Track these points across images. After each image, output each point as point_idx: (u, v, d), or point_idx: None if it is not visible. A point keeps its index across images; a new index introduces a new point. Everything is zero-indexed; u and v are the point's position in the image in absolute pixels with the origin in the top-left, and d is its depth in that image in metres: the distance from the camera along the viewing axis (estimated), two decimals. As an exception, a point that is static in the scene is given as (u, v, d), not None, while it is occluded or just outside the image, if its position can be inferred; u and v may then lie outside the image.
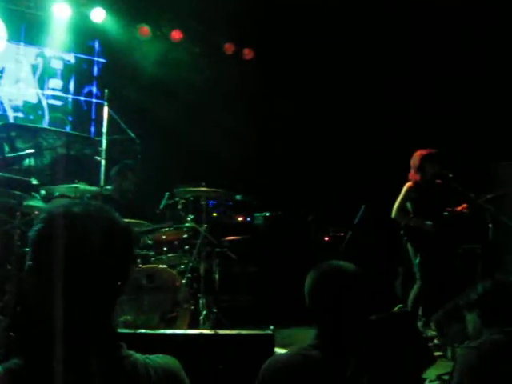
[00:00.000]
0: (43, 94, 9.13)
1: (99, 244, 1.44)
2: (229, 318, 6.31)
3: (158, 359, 1.55)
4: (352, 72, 9.45)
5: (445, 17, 8.53)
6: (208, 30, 10.06)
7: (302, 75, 9.71)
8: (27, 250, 1.48)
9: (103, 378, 1.41)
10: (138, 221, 6.10)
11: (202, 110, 9.61)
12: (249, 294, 7.98)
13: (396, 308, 5.94)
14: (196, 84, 9.56)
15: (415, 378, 2.38)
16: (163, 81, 9.42)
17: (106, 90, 6.46)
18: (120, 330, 3.61)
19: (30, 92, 9.01)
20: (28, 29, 8.96)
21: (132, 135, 6.95)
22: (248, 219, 8.53)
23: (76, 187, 5.80)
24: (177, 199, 6.97)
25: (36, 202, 5.78)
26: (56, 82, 9.31)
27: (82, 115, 9.57)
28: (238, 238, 7.73)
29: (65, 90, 9.40)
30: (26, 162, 7.55)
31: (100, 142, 6.10)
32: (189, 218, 6.66)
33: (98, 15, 9.04)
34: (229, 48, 10.21)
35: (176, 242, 6.31)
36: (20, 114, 8.90)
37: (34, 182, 7.02)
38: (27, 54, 9.00)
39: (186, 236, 6.42)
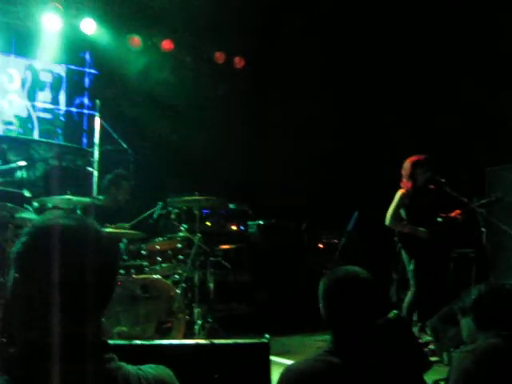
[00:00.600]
0: (33, 107, 9.11)
1: (84, 255, 1.44)
2: (224, 327, 6.30)
3: (151, 370, 1.53)
4: (345, 79, 9.49)
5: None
6: (198, 40, 10.09)
7: (295, 82, 9.73)
8: (12, 261, 1.47)
9: None
10: (130, 231, 6.09)
11: (194, 119, 9.62)
12: (243, 303, 7.97)
13: (391, 314, 5.94)
14: (187, 93, 9.58)
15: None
16: (154, 91, 9.43)
17: (98, 101, 6.47)
18: (115, 342, 3.59)
19: (19, 105, 9.00)
20: (18, 40, 8.96)
21: (124, 145, 6.94)
22: (242, 228, 8.53)
23: (69, 198, 5.77)
24: (170, 209, 6.96)
25: (28, 214, 5.75)
26: (45, 95, 9.29)
27: (74, 126, 9.55)
28: (232, 246, 7.73)
29: (55, 102, 9.38)
30: (18, 174, 7.52)
31: (92, 153, 6.08)
32: (182, 228, 6.65)
33: (89, 26, 9.04)
34: (220, 57, 10.24)
35: (170, 252, 6.29)
36: (11, 127, 8.87)
37: (27, 194, 7.00)
38: (18, 66, 8.99)
39: (179, 246, 6.40)
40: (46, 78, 9.33)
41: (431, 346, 5.74)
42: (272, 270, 8.20)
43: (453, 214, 6.34)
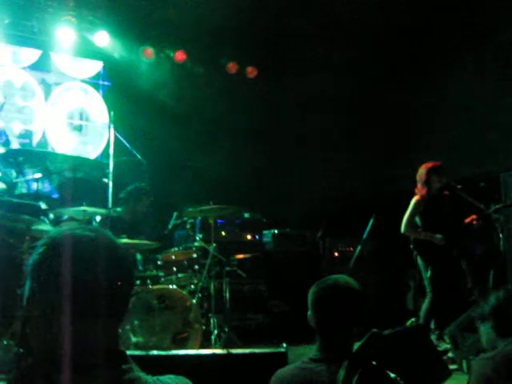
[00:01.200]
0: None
1: (100, 266, 1.44)
2: (240, 337, 6.28)
3: (170, 381, 1.51)
4: (359, 88, 9.47)
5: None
6: (211, 50, 10.14)
7: (306, 91, 9.73)
8: (29, 272, 1.48)
9: None
10: (146, 241, 6.11)
11: (207, 129, 9.65)
12: (260, 312, 7.95)
13: (409, 322, 5.90)
14: (200, 103, 9.61)
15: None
16: (167, 102, 9.48)
17: (112, 113, 6.50)
18: (132, 352, 3.59)
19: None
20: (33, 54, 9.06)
21: (139, 157, 6.97)
22: (257, 237, 8.51)
23: (84, 210, 5.80)
24: (185, 219, 6.97)
25: (45, 226, 5.80)
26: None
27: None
28: (248, 256, 7.70)
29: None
30: (34, 186, 7.57)
31: (107, 165, 6.11)
32: (198, 238, 6.66)
33: (102, 39, 9.12)
34: (232, 67, 10.27)
35: (185, 262, 6.29)
36: (26, 141, 8.96)
37: (43, 206, 7.05)
38: (31, 80, 9.09)
39: (195, 256, 6.40)
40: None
41: (450, 354, 5.68)
42: (288, 278, 8.17)
43: (468, 220, 6.29)
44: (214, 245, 6.36)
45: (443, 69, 8.85)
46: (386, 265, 8.71)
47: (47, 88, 9.22)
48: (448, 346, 5.73)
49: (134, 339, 5.35)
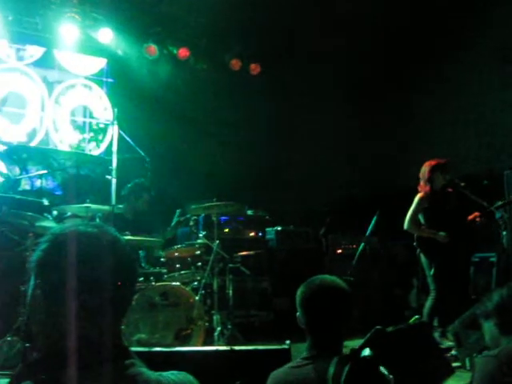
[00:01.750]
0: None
1: (103, 262, 1.45)
2: (243, 334, 6.28)
3: (172, 376, 1.52)
4: (369, 81, 9.46)
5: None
6: (214, 47, 10.12)
7: (309, 88, 9.72)
8: (33, 268, 1.48)
9: None
10: (149, 238, 6.11)
11: (210, 126, 9.65)
12: (263, 309, 7.95)
13: (412, 319, 5.89)
14: (203, 100, 9.61)
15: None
16: (171, 98, 9.47)
17: (116, 109, 6.50)
18: (134, 349, 3.59)
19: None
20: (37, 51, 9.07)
21: (142, 153, 6.96)
22: (260, 234, 8.51)
23: (87, 207, 5.81)
24: (188, 216, 6.97)
25: (48, 223, 5.80)
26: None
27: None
28: (251, 252, 7.70)
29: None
30: (38, 183, 7.58)
31: (110, 161, 6.11)
32: (201, 235, 6.66)
33: (106, 35, 9.12)
34: (235, 64, 10.25)
35: (189, 259, 6.30)
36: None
37: (46, 202, 7.05)
38: (35, 77, 9.10)
39: (198, 252, 6.40)
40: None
41: (453, 352, 5.67)
42: (291, 275, 8.16)
43: (471, 217, 6.27)
44: (218, 242, 6.37)
45: (449, 69, 8.84)
46: (389, 262, 8.70)
47: (49, 86, 9.22)
48: (451, 343, 5.72)
49: (137, 336, 5.36)
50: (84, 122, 9.48)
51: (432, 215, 6.38)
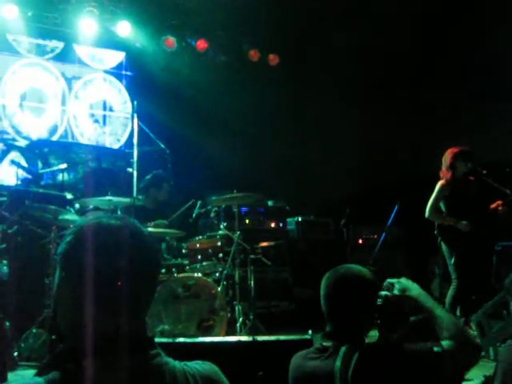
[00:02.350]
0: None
1: (127, 254, 1.46)
2: (265, 325, 6.30)
3: (197, 366, 1.54)
4: (380, 70, 9.38)
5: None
6: (232, 38, 10.11)
7: (328, 78, 9.67)
8: (58, 261, 1.51)
9: None
10: (171, 230, 6.15)
11: (229, 118, 9.64)
12: (285, 299, 7.97)
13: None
14: (222, 92, 9.60)
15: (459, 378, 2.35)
16: (189, 91, 9.48)
17: (135, 102, 6.53)
18: (158, 340, 3.63)
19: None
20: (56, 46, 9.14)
21: (162, 146, 7.00)
22: (281, 224, 8.51)
23: (109, 199, 5.86)
24: (209, 207, 6.99)
25: (71, 216, 5.86)
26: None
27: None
28: (272, 243, 7.72)
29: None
30: (60, 176, 7.65)
31: (131, 154, 6.15)
32: (222, 226, 6.68)
33: (124, 29, 9.14)
34: (254, 55, 10.22)
35: (210, 250, 6.32)
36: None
37: (69, 196, 7.13)
38: (55, 72, 9.17)
39: (219, 244, 6.43)
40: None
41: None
42: (312, 266, 8.16)
43: (493, 205, 6.20)
44: (238, 233, 6.38)
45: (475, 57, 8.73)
46: (411, 252, 8.66)
47: (68, 81, 9.29)
48: (474, 333, 5.69)
49: (160, 327, 5.40)
50: (104, 116, 9.54)
51: (453, 203, 6.32)
